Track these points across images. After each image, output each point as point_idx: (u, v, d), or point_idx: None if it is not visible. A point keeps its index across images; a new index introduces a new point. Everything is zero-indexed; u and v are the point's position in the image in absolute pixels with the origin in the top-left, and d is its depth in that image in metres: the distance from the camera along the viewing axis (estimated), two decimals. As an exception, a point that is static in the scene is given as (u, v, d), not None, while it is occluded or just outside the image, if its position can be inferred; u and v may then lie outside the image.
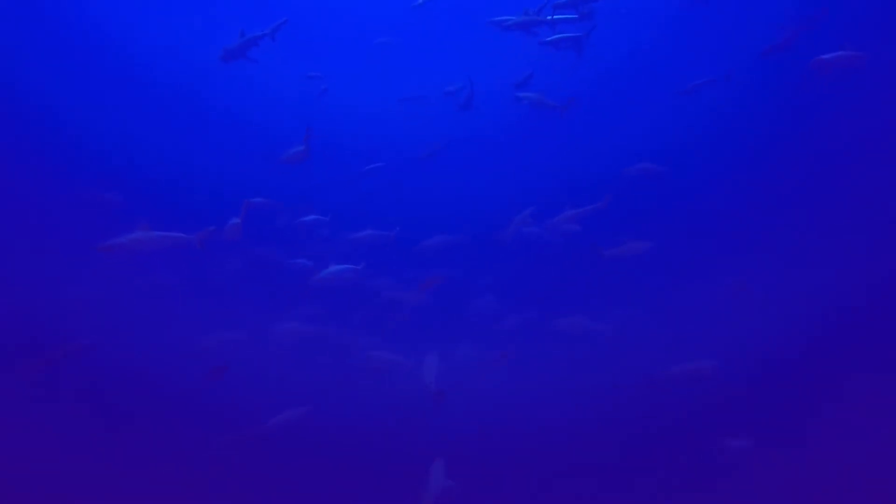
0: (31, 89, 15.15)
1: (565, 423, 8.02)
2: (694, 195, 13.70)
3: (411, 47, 18.31)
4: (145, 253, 6.08)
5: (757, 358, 8.64)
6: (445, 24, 18.91)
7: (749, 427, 7.32)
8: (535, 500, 7.35)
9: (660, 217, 12.82)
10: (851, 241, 10.62)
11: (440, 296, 10.09)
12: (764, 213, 12.73)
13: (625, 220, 10.88)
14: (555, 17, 9.51)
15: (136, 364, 8.65)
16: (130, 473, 6.99)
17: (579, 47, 9.50)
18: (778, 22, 11.33)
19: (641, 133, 15.95)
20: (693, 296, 10.64)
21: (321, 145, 9.91)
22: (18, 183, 12.71)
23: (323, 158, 12.46)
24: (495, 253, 11.63)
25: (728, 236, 12.69)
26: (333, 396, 8.23)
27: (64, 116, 15.46)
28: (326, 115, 16.88)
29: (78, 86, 16.11)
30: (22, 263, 10.46)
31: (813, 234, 11.42)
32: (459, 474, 6.07)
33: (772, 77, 13.11)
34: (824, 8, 11.19)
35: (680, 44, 16.80)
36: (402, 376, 8.08)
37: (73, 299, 9.86)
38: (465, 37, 17.94)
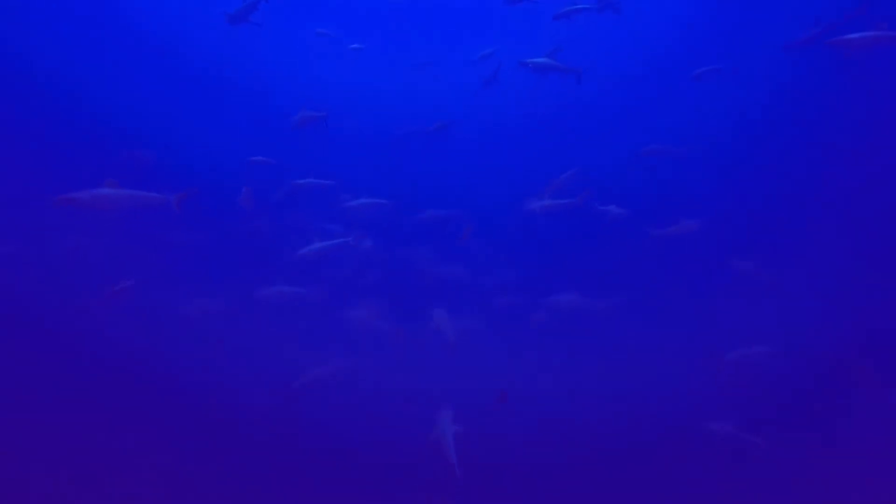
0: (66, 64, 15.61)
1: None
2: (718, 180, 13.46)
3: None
4: (112, 210, 5.65)
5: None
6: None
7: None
8: (534, 486, 7.39)
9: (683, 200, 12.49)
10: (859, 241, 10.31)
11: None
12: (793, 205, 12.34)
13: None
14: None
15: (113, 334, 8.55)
16: (126, 466, 6.80)
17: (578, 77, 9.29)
18: (814, 15, 10.99)
19: (677, 117, 15.65)
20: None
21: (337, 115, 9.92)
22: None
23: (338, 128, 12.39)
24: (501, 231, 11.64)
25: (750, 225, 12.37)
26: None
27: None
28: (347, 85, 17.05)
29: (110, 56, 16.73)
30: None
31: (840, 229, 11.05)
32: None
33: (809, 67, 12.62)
34: (863, 5, 10.77)
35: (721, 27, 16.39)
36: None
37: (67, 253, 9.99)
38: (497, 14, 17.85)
